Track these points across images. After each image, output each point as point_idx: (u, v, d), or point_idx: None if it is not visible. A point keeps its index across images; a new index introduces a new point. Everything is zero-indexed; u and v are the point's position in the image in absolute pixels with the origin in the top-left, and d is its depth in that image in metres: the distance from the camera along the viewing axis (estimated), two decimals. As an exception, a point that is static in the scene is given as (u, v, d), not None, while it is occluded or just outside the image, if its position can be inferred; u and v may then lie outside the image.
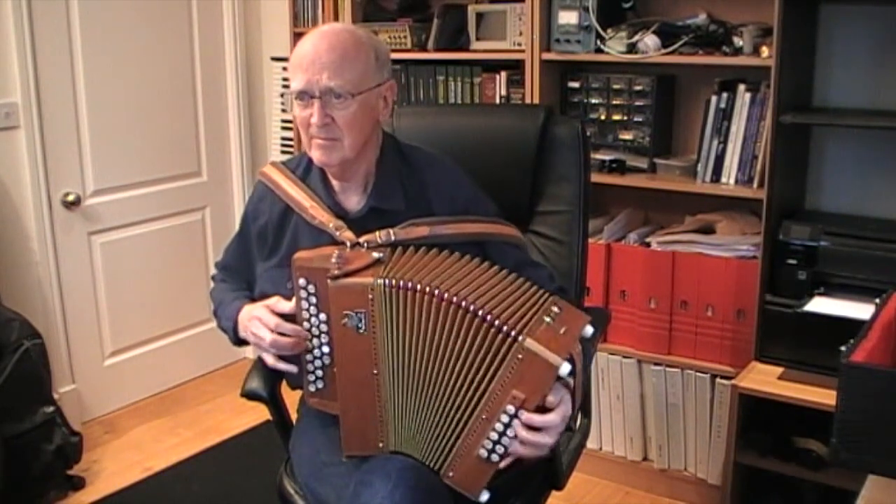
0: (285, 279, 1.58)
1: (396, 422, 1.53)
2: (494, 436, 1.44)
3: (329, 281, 1.50)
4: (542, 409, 1.43)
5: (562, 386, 1.45)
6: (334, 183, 1.70)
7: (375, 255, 1.54)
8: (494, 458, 1.46)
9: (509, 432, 1.43)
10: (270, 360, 1.62)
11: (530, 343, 1.40)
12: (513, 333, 1.41)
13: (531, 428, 1.42)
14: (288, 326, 1.56)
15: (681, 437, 2.66)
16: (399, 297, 1.47)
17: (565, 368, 1.39)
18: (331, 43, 1.57)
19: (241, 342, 1.75)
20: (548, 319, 1.44)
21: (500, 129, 2.02)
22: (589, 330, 1.49)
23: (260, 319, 1.60)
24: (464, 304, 1.43)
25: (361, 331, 1.49)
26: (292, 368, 1.60)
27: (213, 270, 1.94)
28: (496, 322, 1.41)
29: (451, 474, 1.49)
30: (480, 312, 1.42)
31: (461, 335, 1.44)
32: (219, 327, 1.81)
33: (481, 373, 1.44)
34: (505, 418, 1.43)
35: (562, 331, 1.44)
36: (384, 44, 1.69)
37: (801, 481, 2.32)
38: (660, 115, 2.69)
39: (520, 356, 1.40)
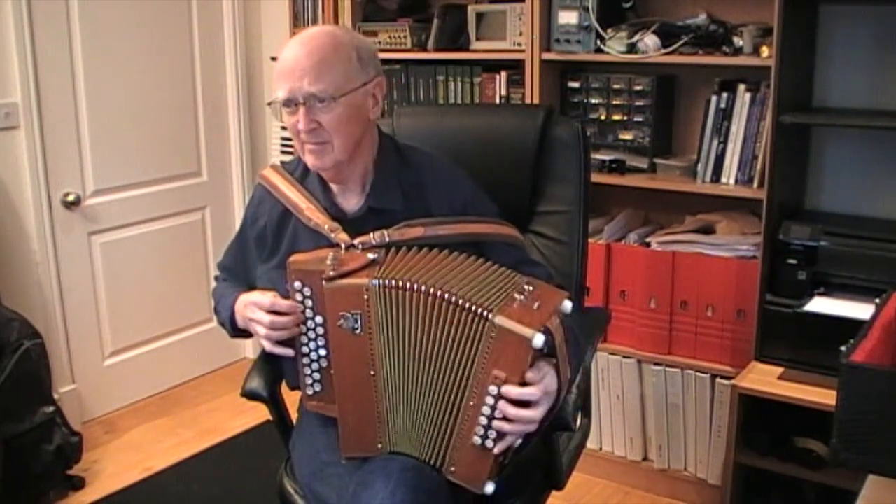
0: (284, 281, 1.58)
1: (394, 422, 1.53)
2: (484, 420, 1.44)
3: (324, 282, 1.50)
4: (526, 385, 1.43)
5: (545, 363, 1.45)
6: (333, 184, 1.70)
7: (370, 256, 1.54)
8: (489, 443, 1.45)
9: (497, 414, 1.43)
10: (268, 345, 1.61)
11: (501, 320, 1.40)
12: (483, 313, 1.41)
13: (513, 403, 1.42)
14: (283, 303, 1.56)
15: (681, 437, 2.66)
16: (394, 297, 1.48)
17: (539, 340, 1.38)
18: (309, 49, 1.57)
19: (238, 333, 1.75)
20: (520, 297, 1.45)
21: (500, 129, 2.02)
22: (568, 305, 1.49)
23: (255, 302, 1.61)
24: (447, 295, 1.44)
25: (357, 332, 1.50)
26: (289, 352, 1.59)
27: (212, 270, 1.95)
28: (467, 305, 1.42)
29: (453, 469, 1.49)
30: (452, 298, 1.43)
31: (443, 326, 1.45)
32: (218, 323, 1.82)
33: (463, 359, 1.45)
34: (490, 400, 1.43)
35: (535, 306, 1.44)
36: (368, 42, 1.69)
37: (801, 481, 2.32)
38: (660, 115, 2.69)
39: (493, 335, 1.41)
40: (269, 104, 1.63)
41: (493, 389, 1.42)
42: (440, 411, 1.48)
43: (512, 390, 1.41)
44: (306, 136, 1.58)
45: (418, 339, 1.47)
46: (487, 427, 1.45)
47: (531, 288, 1.49)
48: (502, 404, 1.42)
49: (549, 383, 1.44)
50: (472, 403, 1.45)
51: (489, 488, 1.48)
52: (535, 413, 1.43)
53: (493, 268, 1.55)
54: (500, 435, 1.45)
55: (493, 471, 1.48)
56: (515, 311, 1.42)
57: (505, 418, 1.43)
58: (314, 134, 1.58)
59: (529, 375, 1.42)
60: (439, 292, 1.44)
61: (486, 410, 1.44)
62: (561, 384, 1.47)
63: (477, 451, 1.46)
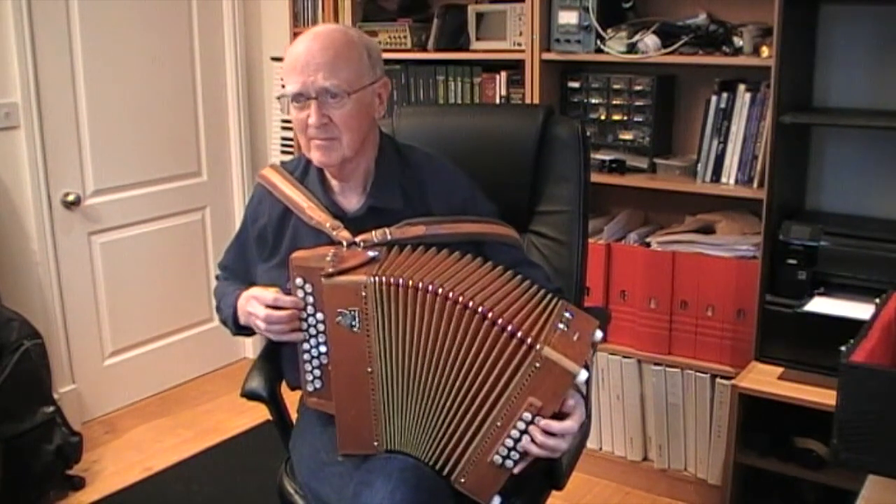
0: (285, 279, 1.59)
1: (394, 421, 1.53)
2: (510, 442, 1.44)
3: (322, 279, 1.50)
4: (559, 414, 1.44)
5: (575, 390, 1.46)
6: (333, 183, 1.70)
7: (371, 253, 1.55)
8: (509, 464, 1.46)
9: (525, 439, 1.43)
10: (273, 336, 1.62)
11: (548, 352, 1.39)
12: (529, 341, 1.40)
13: (548, 433, 1.43)
14: (286, 299, 1.56)
15: (681, 437, 2.66)
16: (393, 295, 1.48)
17: (583, 376, 1.39)
18: (323, 44, 1.57)
19: (240, 331, 1.75)
20: (562, 326, 1.44)
21: (500, 129, 2.02)
22: (599, 335, 1.49)
23: (257, 298, 1.61)
24: (471, 304, 1.43)
25: (355, 329, 1.50)
26: (299, 337, 1.58)
27: (212, 270, 1.95)
28: (511, 328, 1.41)
29: (462, 480, 1.49)
30: (491, 316, 1.42)
31: (469, 338, 1.44)
32: (220, 321, 1.82)
33: (494, 379, 1.43)
34: (521, 425, 1.43)
35: (575, 337, 1.43)
36: (375, 42, 1.70)
37: (801, 481, 2.32)
38: (660, 115, 2.69)
39: (537, 364, 1.40)
40: (279, 98, 1.63)
41: (526, 416, 1.42)
42: (457, 422, 1.48)
43: (553, 424, 1.42)
44: (315, 131, 1.58)
45: (425, 339, 1.47)
46: (512, 449, 1.45)
47: (570, 316, 1.47)
48: (536, 431, 1.42)
49: (581, 415, 1.46)
50: (499, 424, 1.44)
51: (496, 502, 1.49)
52: (565, 444, 1.45)
53: (525, 283, 1.54)
54: (523, 456, 1.45)
55: (503, 486, 1.49)
56: (559, 341, 1.41)
57: (534, 441, 1.43)
58: (324, 129, 1.58)
59: (570, 403, 1.43)
60: (460, 298, 1.43)
61: (514, 434, 1.44)
62: (588, 411, 1.49)
63: (494, 468, 1.47)
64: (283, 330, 1.58)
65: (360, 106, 1.59)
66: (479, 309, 1.42)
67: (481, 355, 1.43)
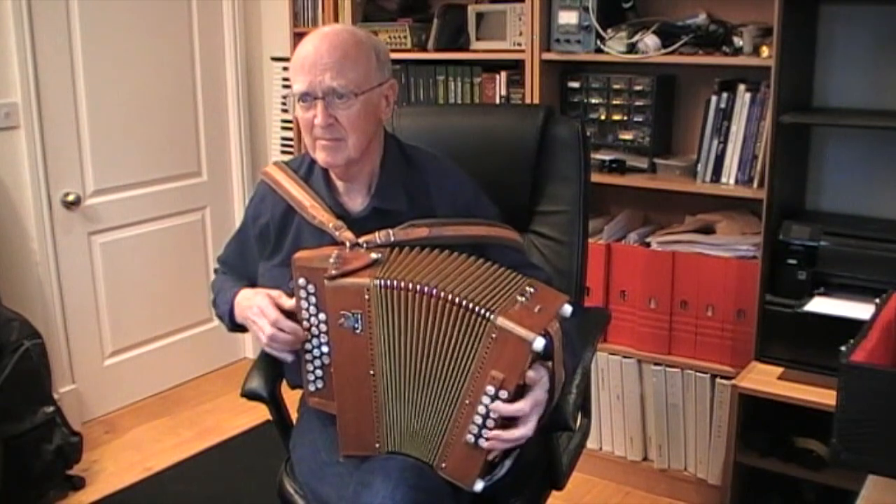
0: (287, 278, 1.58)
1: (394, 422, 1.53)
2: (479, 419, 1.45)
3: (326, 281, 1.50)
4: (524, 387, 1.44)
5: (542, 365, 1.46)
6: (338, 184, 1.70)
7: (374, 255, 1.54)
8: (482, 442, 1.46)
9: (492, 414, 1.43)
10: (268, 350, 1.62)
11: (502, 321, 1.40)
12: (484, 313, 1.42)
13: (506, 421, 1.43)
14: (287, 324, 1.56)
15: (681, 437, 2.66)
16: (394, 298, 1.48)
17: (539, 343, 1.39)
18: (332, 43, 1.57)
19: (236, 327, 1.75)
20: (521, 299, 1.46)
21: (500, 129, 2.02)
22: (567, 309, 1.49)
23: (262, 309, 1.60)
24: (449, 296, 1.44)
25: (358, 331, 1.50)
26: (286, 358, 1.59)
27: (212, 270, 1.95)
28: (470, 305, 1.43)
29: (443, 465, 1.50)
30: (454, 298, 1.43)
31: (443, 325, 1.45)
32: (216, 315, 1.82)
33: (461, 357, 1.45)
34: (486, 400, 1.43)
35: (536, 309, 1.45)
36: (384, 44, 1.70)
37: (801, 481, 2.32)
38: (660, 115, 2.69)
39: (493, 335, 1.41)
40: (285, 97, 1.63)
41: (490, 389, 1.43)
42: (437, 409, 1.49)
43: (504, 407, 1.42)
44: (321, 131, 1.58)
45: (418, 339, 1.48)
46: (482, 426, 1.45)
47: (532, 290, 1.49)
48: (496, 428, 1.43)
49: (539, 395, 1.45)
50: (467, 402, 1.45)
51: (478, 486, 1.49)
52: (527, 429, 1.44)
53: (494, 268, 1.55)
54: (493, 436, 1.45)
55: (484, 469, 1.48)
56: (516, 312, 1.42)
57: (498, 429, 1.44)
58: (330, 130, 1.57)
59: (531, 374, 1.43)
60: (442, 293, 1.44)
61: (481, 410, 1.44)
62: (554, 387, 1.48)
63: (469, 449, 1.47)
64: (282, 350, 1.58)
65: (366, 107, 1.59)
66: (448, 297, 1.44)
67: (452, 339, 1.45)
